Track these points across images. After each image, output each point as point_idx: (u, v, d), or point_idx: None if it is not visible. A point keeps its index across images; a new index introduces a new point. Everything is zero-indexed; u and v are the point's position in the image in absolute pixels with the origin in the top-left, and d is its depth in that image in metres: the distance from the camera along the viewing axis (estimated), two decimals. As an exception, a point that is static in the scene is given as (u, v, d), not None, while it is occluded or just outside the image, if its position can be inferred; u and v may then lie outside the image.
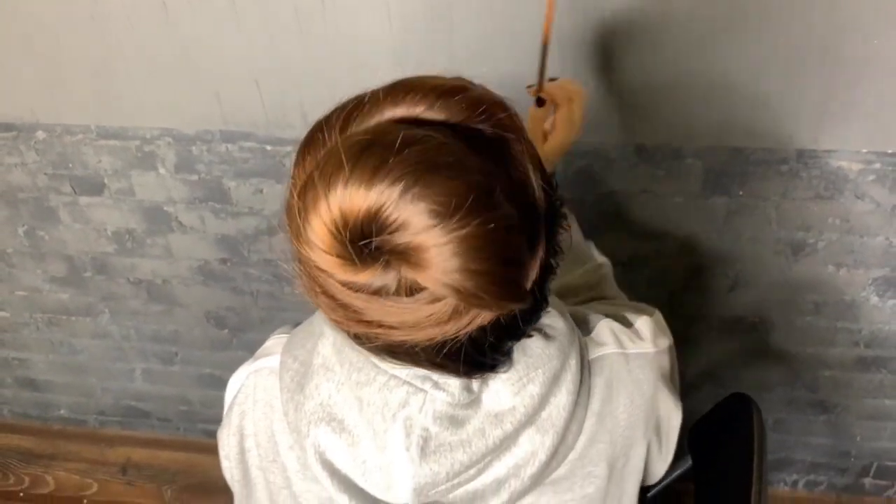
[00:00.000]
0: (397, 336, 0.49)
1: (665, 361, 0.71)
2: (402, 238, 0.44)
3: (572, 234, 0.67)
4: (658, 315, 0.74)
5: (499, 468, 0.59)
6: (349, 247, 0.44)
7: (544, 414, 0.59)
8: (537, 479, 0.60)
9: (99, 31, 1.12)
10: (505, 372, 0.57)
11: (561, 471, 0.62)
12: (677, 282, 1.31)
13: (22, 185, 1.37)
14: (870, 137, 1.08)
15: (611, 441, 0.63)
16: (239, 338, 1.58)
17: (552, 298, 0.58)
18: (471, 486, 0.60)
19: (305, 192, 0.46)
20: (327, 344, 0.62)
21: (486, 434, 0.57)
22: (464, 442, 0.57)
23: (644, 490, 0.77)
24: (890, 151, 1.10)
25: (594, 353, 0.64)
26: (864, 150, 1.10)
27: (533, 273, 0.50)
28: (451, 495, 0.60)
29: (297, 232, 0.48)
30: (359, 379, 0.58)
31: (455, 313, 0.47)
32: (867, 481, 1.63)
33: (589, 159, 1.16)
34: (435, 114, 0.47)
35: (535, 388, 0.57)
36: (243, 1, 1.06)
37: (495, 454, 0.59)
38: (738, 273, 1.29)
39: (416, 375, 0.56)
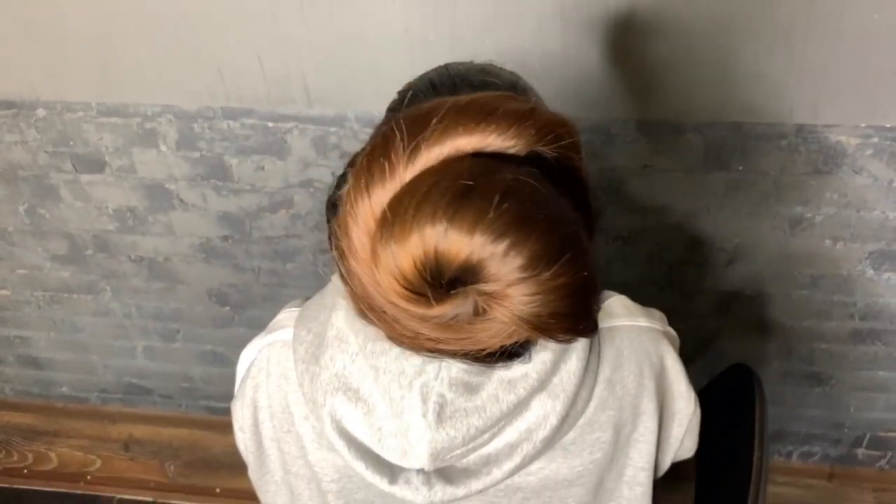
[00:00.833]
0: (440, 346, 0.50)
1: (675, 346, 0.72)
2: (492, 287, 0.45)
3: None
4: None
5: (511, 433, 0.61)
6: (429, 284, 0.45)
7: (555, 379, 0.60)
8: (549, 443, 0.62)
9: (100, 7, 1.12)
10: None
11: (571, 435, 0.64)
12: (676, 256, 1.33)
13: (22, 163, 1.37)
14: (868, 112, 1.10)
15: (619, 408, 0.65)
16: (240, 315, 1.59)
17: None
18: (484, 451, 0.61)
19: (389, 221, 0.45)
20: (341, 316, 0.63)
21: (499, 399, 0.58)
22: (478, 407, 0.58)
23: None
24: (888, 126, 1.11)
25: (605, 323, 0.66)
26: (863, 125, 1.11)
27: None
28: (465, 460, 0.61)
29: (357, 251, 0.48)
30: (374, 349, 0.59)
31: (515, 333, 0.49)
32: (860, 452, 1.66)
33: (590, 135, 1.17)
34: (506, 142, 0.47)
35: (546, 355, 0.59)
36: (245, -24, 1.06)
37: (508, 419, 0.60)
38: (736, 247, 1.30)
39: None
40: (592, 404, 0.63)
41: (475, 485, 0.60)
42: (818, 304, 1.37)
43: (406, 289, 0.46)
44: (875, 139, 1.13)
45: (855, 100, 1.08)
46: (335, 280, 0.67)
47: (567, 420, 0.62)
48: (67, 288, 1.60)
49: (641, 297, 0.74)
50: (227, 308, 1.58)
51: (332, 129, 1.23)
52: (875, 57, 1.03)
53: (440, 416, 0.57)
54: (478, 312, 0.47)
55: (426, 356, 0.56)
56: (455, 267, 0.44)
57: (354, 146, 1.24)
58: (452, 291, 0.46)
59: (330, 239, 0.59)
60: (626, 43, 1.06)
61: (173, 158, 1.32)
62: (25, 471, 1.80)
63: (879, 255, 1.27)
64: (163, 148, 1.30)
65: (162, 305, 1.60)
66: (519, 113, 0.47)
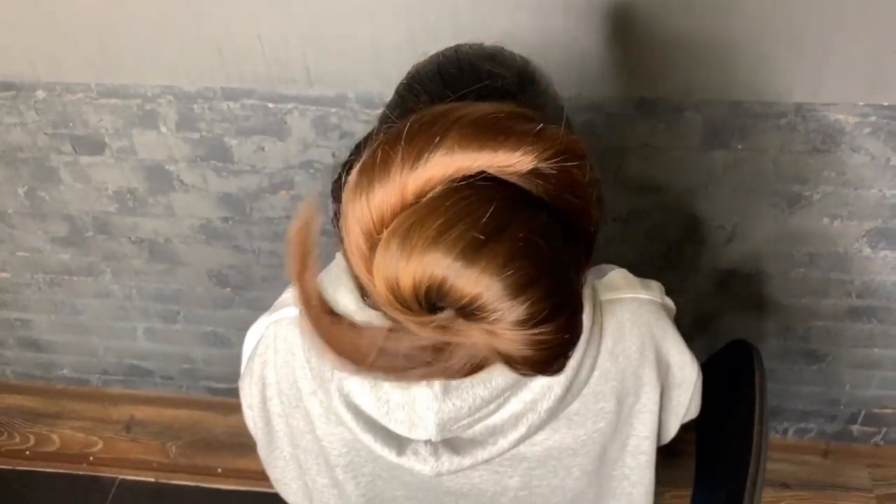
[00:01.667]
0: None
1: (672, 316, 0.73)
2: (481, 325, 0.46)
3: None
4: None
5: (516, 403, 0.62)
6: (420, 305, 0.46)
7: None
8: (553, 413, 0.63)
9: (99, -13, 1.12)
10: None
11: (574, 406, 0.65)
12: (675, 234, 1.34)
13: (22, 144, 1.37)
14: (867, 90, 1.10)
15: (622, 378, 0.66)
16: (241, 296, 1.60)
17: None
18: (490, 421, 0.62)
19: (396, 239, 0.45)
20: (346, 292, 0.64)
21: (505, 370, 0.59)
22: (484, 378, 0.59)
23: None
24: (886, 104, 1.11)
25: (606, 296, 0.67)
26: (861, 103, 1.12)
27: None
28: (471, 430, 0.62)
29: (354, 252, 0.49)
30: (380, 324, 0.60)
31: (484, 358, 0.50)
32: (855, 428, 1.68)
33: (590, 114, 1.18)
34: (512, 162, 0.46)
35: None
36: (245, -45, 1.06)
37: (514, 390, 0.61)
38: (734, 226, 1.31)
39: None
40: (596, 374, 0.65)
41: (481, 454, 0.61)
42: (815, 282, 1.38)
43: (395, 299, 0.46)
44: (873, 118, 1.13)
45: (853, 78, 1.09)
46: (339, 258, 0.67)
47: (571, 390, 0.63)
48: (68, 270, 1.61)
49: (640, 275, 0.75)
50: (228, 289, 1.59)
51: (333, 110, 1.23)
52: (873, 35, 1.04)
53: (446, 386, 0.58)
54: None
55: None
56: (452, 301, 0.45)
57: (355, 127, 1.25)
58: (439, 315, 0.46)
59: (333, 221, 0.60)
60: (626, 21, 1.06)
61: (173, 139, 1.32)
62: (28, 452, 1.81)
63: (876, 233, 1.29)
64: (163, 129, 1.31)
65: (162, 287, 1.61)
66: (527, 135, 0.46)
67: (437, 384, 0.58)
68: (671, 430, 0.73)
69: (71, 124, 1.32)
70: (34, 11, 1.16)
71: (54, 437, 1.83)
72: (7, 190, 1.46)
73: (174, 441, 1.81)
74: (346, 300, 0.63)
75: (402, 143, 0.46)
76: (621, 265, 0.74)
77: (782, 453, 1.70)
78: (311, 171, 1.32)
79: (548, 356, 0.48)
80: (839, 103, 1.12)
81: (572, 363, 0.61)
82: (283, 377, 0.69)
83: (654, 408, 0.68)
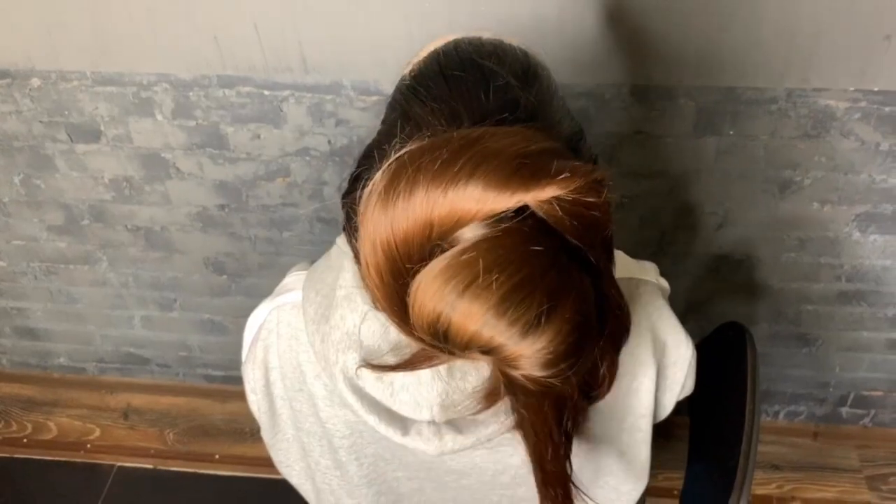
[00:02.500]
0: None
1: (666, 296, 0.75)
2: (495, 362, 0.49)
3: None
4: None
5: None
6: (434, 339, 0.49)
7: None
8: None
9: (94, -26, 1.12)
10: None
11: (575, 387, 0.66)
12: (668, 220, 1.35)
13: (17, 133, 1.37)
14: (857, 76, 1.12)
15: (619, 358, 0.67)
16: (238, 283, 1.61)
17: None
18: None
19: (444, 290, 0.47)
20: (348, 276, 0.65)
21: None
22: None
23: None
24: (875, 89, 1.13)
25: None
26: (851, 89, 1.13)
27: None
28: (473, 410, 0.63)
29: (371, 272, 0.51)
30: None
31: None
32: (844, 410, 1.70)
33: (584, 101, 1.19)
34: (542, 200, 0.47)
35: None
36: (241, -57, 1.06)
37: None
38: (726, 211, 1.33)
39: None
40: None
41: (484, 432, 0.62)
42: (806, 267, 1.40)
43: (431, 336, 0.49)
44: (863, 103, 1.15)
45: (844, 64, 1.10)
46: (340, 242, 0.68)
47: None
48: (64, 258, 1.61)
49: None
50: (225, 277, 1.60)
51: (329, 97, 1.24)
52: (864, 21, 1.05)
53: (451, 367, 0.60)
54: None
55: None
56: (490, 354, 0.48)
57: (351, 114, 1.25)
58: (464, 352, 0.49)
59: (344, 229, 0.63)
60: (621, 7, 1.07)
61: (169, 127, 1.32)
62: (25, 440, 1.82)
63: (866, 218, 1.30)
64: (158, 117, 1.31)
65: (159, 275, 1.61)
66: (560, 172, 0.47)
67: (442, 365, 0.59)
68: (667, 408, 0.75)
69: (66, 112, 1.32)
70: (29, 0, 1.17)
71: (51, 425, 1.84)
72: (2, 178, 1.46)
73: (171, 428, 1.82)
74: (348, 283, 0.64)
75: (427, 168, 0.47)
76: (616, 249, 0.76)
77: (773, 436, 1.72)
78: (308, 158, 1.33)
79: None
80: (830, 89, 1.14)
81: None
82: (287, 361, 0.70)
83: (651, 386, 0.69)
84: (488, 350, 0.47)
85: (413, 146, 0.49)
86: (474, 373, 0.60)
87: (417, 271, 0.48)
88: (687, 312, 1.51)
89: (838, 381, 1.64)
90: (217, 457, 1.76)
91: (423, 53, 0.66)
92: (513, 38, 0.66)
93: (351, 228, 0.60)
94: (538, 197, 0.46)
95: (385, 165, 0.49)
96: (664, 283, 0.75)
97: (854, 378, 1.62)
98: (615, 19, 1.08)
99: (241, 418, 1.82)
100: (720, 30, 1.08)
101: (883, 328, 1.50)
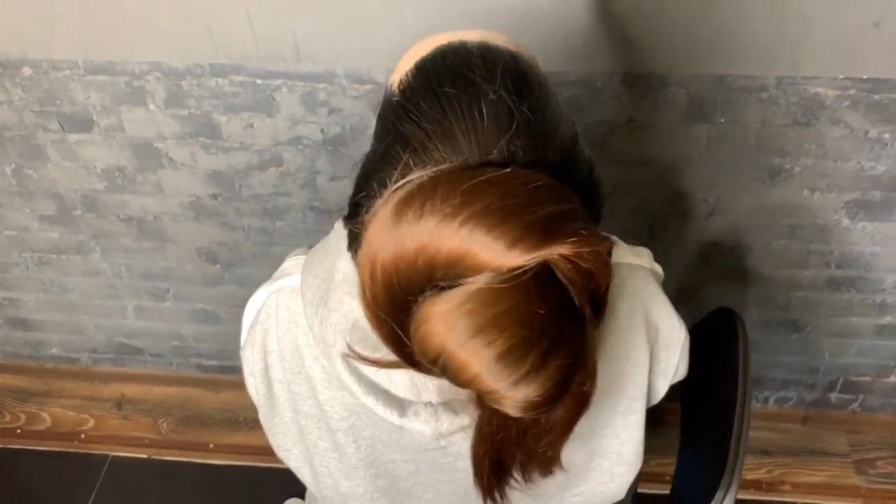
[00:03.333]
0: None
1: (660, 281, 0.76)
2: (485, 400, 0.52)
3: None
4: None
5: None
6: (427, 364, 0.52)
7: None
8: None
9: (86, -38, 1.12)
10: None
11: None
12: (659, 208, 1.36)
13: (8, 122, 1.37)
14: (846, 63, 1.13)
15: (613, 342, 0.68)
16: (231, 273, 1.61)
17: None
18: None
19: (449, 330, 0.49)
20: (346, 260, 0.65)
21: None
22: None
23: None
24: (865, 77, 1.14)
25: None
26: (841, 77, 1.14)
27: None
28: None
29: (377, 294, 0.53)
30: None
31: None
32: (833, 396, 1.72)
33: (576, 89, 1.19)
34: (551, 260, 0.50)
35: None
36: (234, -69, 1.06)
37: None
38: (717, 199, 1.34)
39: None
40: None
41: (478, 413, 0.63)
42: (796, 254, 1.42)
43: (429, 363, 0.52)
44: (852, 91, 1.16)
45: (833, 51, 1.11)
46: (338, 227, 0.69)
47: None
48: (56, 248, 1.61)
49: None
50: (218, 266, 1.60)
51: (321, 86, 1.24)
52: (853, 8, 1.06)
53: None
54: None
55: None
56: (471, 386, 0.50)
57: (343, 102, 1.25)
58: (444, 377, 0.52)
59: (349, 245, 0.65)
60: (612, -3, 1.08)
61: (161, 117, 1.32)
62: (19, 431, 1.82)
63: (855, 205, 1.32)
64: (151, 106, 1.31)
65: (152, 265, 1.61)
66: (571, 236, 0.50)
67: None
68: (660, 391, 0.76)
69: (58, 102, 1.32)
70: (20, -12, 1.16)
71: (45, 415, 1.84)
72: (-6, 168, 1.45)
73: (165, 418, 1.82)
74: (346, 267, 0.65)
75: (434, 210, 0.49)
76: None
77: (763, 421, 1.74)
78: (300, 147, 1.33)
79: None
80: (819, 77, 1.15)
81: None
82: (285, 344, 0.71)
83: (644, 370, 0.70)
84: (478, 389, 0.50)
85: (417, 179, 0.51)
86: None
87: (416, 301, 0.51)
88: (678, 299, 1.50)
89: (827, 367, 1.66)
90: (211, 446, 1.77)
91: (408, 61, 0.63)
92: (498, 37, 0.63)
93: (354, 252, 0.63)
94: (553, 254, 0.49)
95: (387, 196, 0.51)
96: (658, 268, 0.76)
97: (843, 363, 1.64)
98: (607, 7, 1.09)
99: (234, 407, 1.83)
100: (710, 18, 1.08)
101: (871, 314, 1.51)
